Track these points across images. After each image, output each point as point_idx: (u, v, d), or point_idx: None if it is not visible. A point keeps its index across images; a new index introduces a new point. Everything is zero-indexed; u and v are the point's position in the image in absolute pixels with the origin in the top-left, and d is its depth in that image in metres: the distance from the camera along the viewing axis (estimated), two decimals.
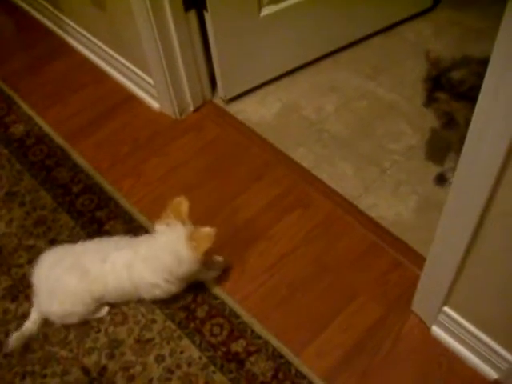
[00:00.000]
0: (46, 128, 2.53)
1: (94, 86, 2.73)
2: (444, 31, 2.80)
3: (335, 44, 2.69)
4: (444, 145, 2.13)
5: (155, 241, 1.75)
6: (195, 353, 1.78)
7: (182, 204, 1.75)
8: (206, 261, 1.79)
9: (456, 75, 1.78)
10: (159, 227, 1.75)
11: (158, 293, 1.80)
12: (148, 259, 1.74)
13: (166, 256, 1.71)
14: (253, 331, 1.82)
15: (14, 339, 1.79)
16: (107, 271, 1.77)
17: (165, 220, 1.74)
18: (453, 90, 1.79)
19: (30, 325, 1.82)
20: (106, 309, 1.88)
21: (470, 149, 1.21)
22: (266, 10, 2.33)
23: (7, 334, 1.84)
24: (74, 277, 1.76)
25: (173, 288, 1.79)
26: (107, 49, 2.68)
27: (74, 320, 1.83)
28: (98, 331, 1.85)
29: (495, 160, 1.16)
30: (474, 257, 1.43)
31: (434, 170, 2.19)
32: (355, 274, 1.94)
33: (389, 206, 2.11)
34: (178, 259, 1.70)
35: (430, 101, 1.89)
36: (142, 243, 1.81)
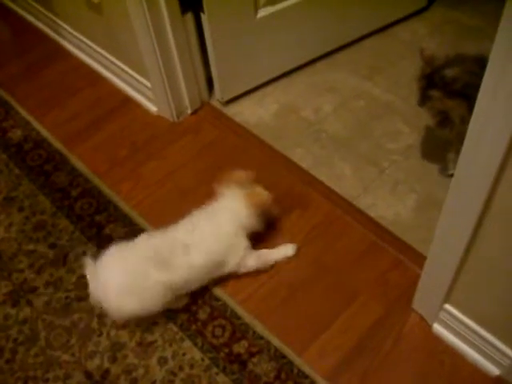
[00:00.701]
0: (44, 132, 2.53)
1: (91, 90, 2.73)
2: (439, 30, 2.81)
3: (331, 45, 2.70)
4: (441, 143, 2.14)
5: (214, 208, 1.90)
6: (197, 354, 1.79)
7: (237, 173, 1.94)
8: (262, 212, 1.92)
9: (449, 73, 1.79)
10: (223, 191, 1.91)
11: (236, 253, 1.87)
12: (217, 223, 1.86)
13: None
14: (254, 332, 1.82)
15: None
16: (192, 249, 1.80)
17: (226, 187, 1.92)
18: (446, 88, 1.80)
19: None
20: (186, 298, 1.91)
21: (469, 147, 1.22)
22: (263, 12, 2.34)
23: (8, 340, 1.84)
24: (154, 269, 1.74)
25: (241, 241, 1.88)
26: (104, 52, 2.69)
27: (146, 314, 1.81)
28: (100, 334, 1.85)
29: (495, 159, 1.16)
30: (474, 254, 1.44)
31: (432, 168, 2.20)
32: (355, 274, 1.95)
33: (388, 205, 2.12)
34: (233, 215, 1.86)
35: (423, 99, 1.90)
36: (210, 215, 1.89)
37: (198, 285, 1.87)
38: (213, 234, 1.83)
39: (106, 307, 1.74)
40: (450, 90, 1.79)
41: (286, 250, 1.99)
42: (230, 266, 1.87)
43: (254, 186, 1.93)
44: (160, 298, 1.76)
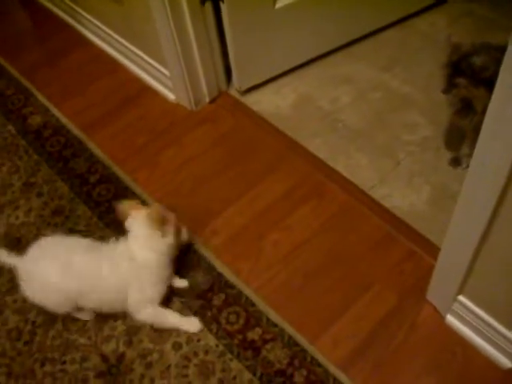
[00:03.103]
0: (63, 119, 2.56)
1: (110, 78, 2.75)
2: (457, 22, 2.80)
3: (350, 36, 2.70)
4: (458, 135, 2.14)
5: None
6: (212, 341, 1.81)
7: (128, 203, 1.85)
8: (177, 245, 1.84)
9: (478, 61, 1.77)
10: (128, 222, 1.78)
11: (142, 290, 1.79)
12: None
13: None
14: (268, 319, 1.84)
15: None
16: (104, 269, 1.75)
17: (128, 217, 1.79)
18: (474, 76, 1.78)
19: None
20: (91, 315, 1.88)
21: (486, 135, 1.21)
22: (281, 2, 2.34)
23: (27, 322, 1.88)
24: (58, 270, 1.73)
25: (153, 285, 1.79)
26: (123, 41, 2.70)
27: (54, 310, 1.83)
28: (116, 319, 1.88)
29: (511, 149, 1.16)
30: (489, 246, 1.44)
31: (447, 160, 2.19)
32: (370, 264, 1.96)
33: (403, 196, 2.12)
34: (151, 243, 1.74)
35: (449, 86, 1.88)
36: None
37: (97, 308, 1.84)
38: (125, 261, 1.75)
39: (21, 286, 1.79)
40: (477, 78, 1.77)
41: (189, 325, 1.85)
42: (130, 302, 1.79)
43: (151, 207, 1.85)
44: (59, 304, 1.78)
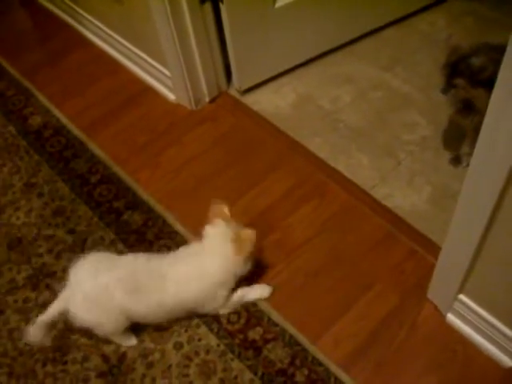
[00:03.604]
0: (64, 120, 2.56)
1: (111, 78, 2.75)
2: (458, 21, 2.80)
3: (350, 35, 2.70)
4: (458, 134, 2.14)
5: (203, 248, 1.76)
6: (213, 340, 1.81)
7: (221, 208, 1.78)
8: (248, 260, 1.79)
9: (476, 62, 1.77)
10: (207, 229, 1.76)
11: (215, 301, 1.79)
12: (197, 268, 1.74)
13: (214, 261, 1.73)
14: (270, 319, 1.84)
15: (32, 333, 1.69)
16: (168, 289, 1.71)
17: (211, 223, 1.76)
18: (472, 77, 1.79)
19: (47, 318, 1.70)
20: (134, 341, 1.83)
21: (486, 134, 1.22)
22: (281, 1, 2.34)
23: (28, 322, 1.87)
24: (123, 291, 1.66)
25: (224, 292, 1.78)
26: (123, 41, 2.71)
27: (99, 332, 1.75)
28: None
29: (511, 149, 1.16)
30: (490, 245, 1.44)
31: (447, 160, 2.20)
32: (371, 264, 1.96)
33: (404, 196, 2.13)
34: (223, 263, 1.73)
35: (447, 87, 1.88)
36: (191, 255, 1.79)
37: (160, 321, 1.82)
38: (196, 279, 1.73)
39: (70, 309, 1.69)
40: (476, 79, 1.78)
41: (262, 291, 1.89)
42: (206, 310, 1.81)
43: (238, 225, 1.78)
44: (115, 322, 1.72)
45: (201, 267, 1.73)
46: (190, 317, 1.85)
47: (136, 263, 1.75)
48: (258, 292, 1.89)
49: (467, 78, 1.81)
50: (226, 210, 1.78)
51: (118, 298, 1.66)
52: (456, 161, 2.15)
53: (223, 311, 1.85)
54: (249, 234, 1.72)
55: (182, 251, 1.80)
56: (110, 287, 1.66)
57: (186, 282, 1.72)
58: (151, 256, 1.78)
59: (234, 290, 1.81)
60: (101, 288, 1.66)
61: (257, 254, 1.86)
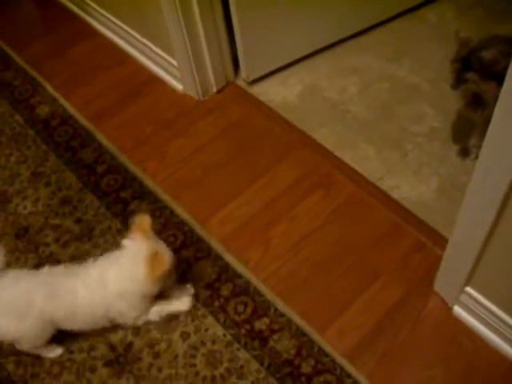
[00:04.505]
0: (71, 109, 2.56)
1: (118, 68, 2.74)
2: (466, 13, 2.78)
3: (358, 27, 2.69)
4: (466, 126, 2.13)
5: (117, 260, 1.70)
6: (219, 330, 1.81)
7: (144, 220, 1.70)
8: (164, 285, 1.74)
9: (487, 55, 1.76)
10: (125, 242, 1.68)
11: (124, 314, 1.74)
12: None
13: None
14: (276, 309, 1.84)
15: None
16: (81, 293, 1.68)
17: (131, 236, 1.69)
18: (483, 71, 1.78)
19: None
20: (59, 350, 1.81)
21: (496, 127, 1.21)
22: None
23: None
24: (40, 296, 1.64)
25: (126, 308, 1.73)
26: (131, 31, 2.70)
27: (23, 344, 1.72)
28: None
29: None
30: (497, 237, 1.44)
31: (456, 151, 2.19)
32: (377, 255, 1.96)
33: (411, 187, 2.12)
34: (131, 278, 1.66)
35: (458, 82, 1.87)
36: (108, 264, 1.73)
37: (85, 328, 1.77)
38: (99, 287, 1.67)
39: None
40: (487, 73, 1.76)
41: (182, 305, 1.84)
42: (121, 321, 1.77)
43: (156, 241, 1.70)
44: (39, 330, 1.68)
45: (104, 277, 1.68)
46: (194, 306, 1.86)
47: (56, 271, 1.73)
48: (177, 306, 1.84)
49: (478, 71, 1.79)
50: (147, 223, 1.69)
51: (39, 303, 1.63)
52: (464, 153, 2.15)
53: (139, 323, 1.81)
54: (164, 259, 1.64)
55: (106, 256, 1.75)
56: (30, 293, 1.64)
57: (93, 289, 1.68)
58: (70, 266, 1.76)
59: (153, 301, 1.78)
60: (21, 295, 1.65)
61: (177, 272, 1.82)
